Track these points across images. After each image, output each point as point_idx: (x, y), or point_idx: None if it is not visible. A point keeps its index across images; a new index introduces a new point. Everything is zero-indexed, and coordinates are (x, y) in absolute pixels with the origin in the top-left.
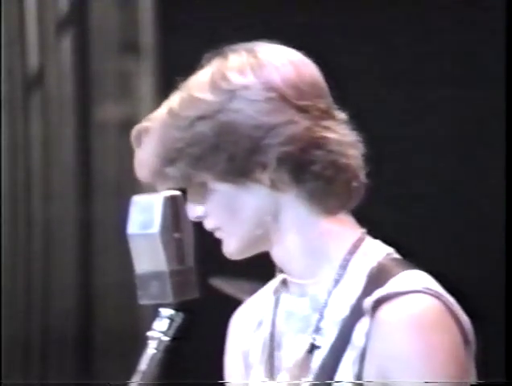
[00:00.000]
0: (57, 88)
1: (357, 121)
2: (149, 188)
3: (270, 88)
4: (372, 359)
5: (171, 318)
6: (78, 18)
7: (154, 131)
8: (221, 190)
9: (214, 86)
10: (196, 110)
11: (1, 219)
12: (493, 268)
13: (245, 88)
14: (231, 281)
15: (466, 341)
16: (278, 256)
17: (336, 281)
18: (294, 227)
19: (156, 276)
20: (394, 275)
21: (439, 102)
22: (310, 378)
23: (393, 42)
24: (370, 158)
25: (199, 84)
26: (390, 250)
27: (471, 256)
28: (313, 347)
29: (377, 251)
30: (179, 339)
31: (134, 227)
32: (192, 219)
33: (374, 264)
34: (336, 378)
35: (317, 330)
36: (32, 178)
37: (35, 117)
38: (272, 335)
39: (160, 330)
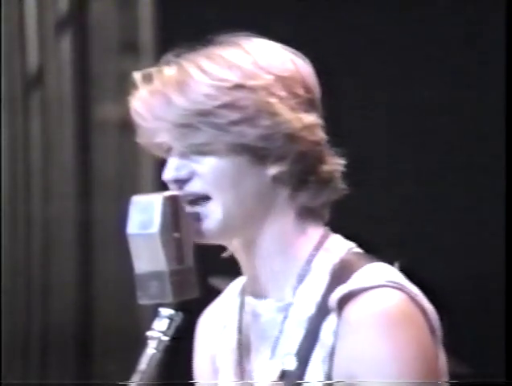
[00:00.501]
0: (57, 88)
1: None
2: (149, 188)
3: (307, 87)
4: (340, 359)
5: (171, 318)
6: (78, 18)
7: (172, 81)
8: (228, 159)
9: (256, 64)
10: (234, 76)
11: (0, 218)
12: (493, 268)
13: (289, 78)
14: (231, 281)
15: (432, 330)
16: (249, 253)
17: (301, 279)
18: (279, 225)
19: (156, 276)
20: (356, 270)
21: (438, 102)
22: (270, 377)
23: (392, 42)
24: (368, 161)
25: (232, 54)
26: (352, 245)
27: (471, 256)
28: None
29: (340, 247)
30: (179, 339)
31: (133, 227)
32: (167, 179)
33: (337, 260)
34: (306, 377)
35: (282, 331)
36: (32, 178)
37: (34, 117)
38: (240, 340)
39: (160, 329)
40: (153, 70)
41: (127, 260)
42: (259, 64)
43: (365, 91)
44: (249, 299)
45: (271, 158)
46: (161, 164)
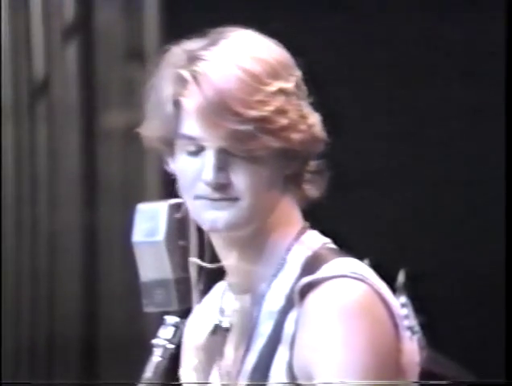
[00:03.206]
0: (63, 96)
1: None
2: (154, 196)
3: (303, 84)
4: (299, 348)
5: (176, 326)
6: (84, 26)
7: (221, 85)
8: (268, 164)
9: (278, 62)
10: (272, 78)
11: (2, 225)
12: (494, 268)
13: (299, 78)
14: None
15: (395, 324)
16: (242, 246)
17: (276, 271)
18: (277, 219)
19: (161, 283)
20: (325, 262)
21: (438, 102)
22: (245, 373)
23: (392, 41)
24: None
25: (259, 52)
26: (327, 240)
27: (471, 256)
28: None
29: (315, 241)
30: None
31: (139, 234)
32: (208, 183)
33: (310, 253)
34: (272, 370)
35: (256, 324)
36: (37, 186)
37: (40, 125)
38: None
39: (165, 337)
40: (197, 70)
41: (132, 268)
42: (282, 63)
43: (366, 95)
44: (228, 295)
45: (293, 159)
46: (166, 172)
